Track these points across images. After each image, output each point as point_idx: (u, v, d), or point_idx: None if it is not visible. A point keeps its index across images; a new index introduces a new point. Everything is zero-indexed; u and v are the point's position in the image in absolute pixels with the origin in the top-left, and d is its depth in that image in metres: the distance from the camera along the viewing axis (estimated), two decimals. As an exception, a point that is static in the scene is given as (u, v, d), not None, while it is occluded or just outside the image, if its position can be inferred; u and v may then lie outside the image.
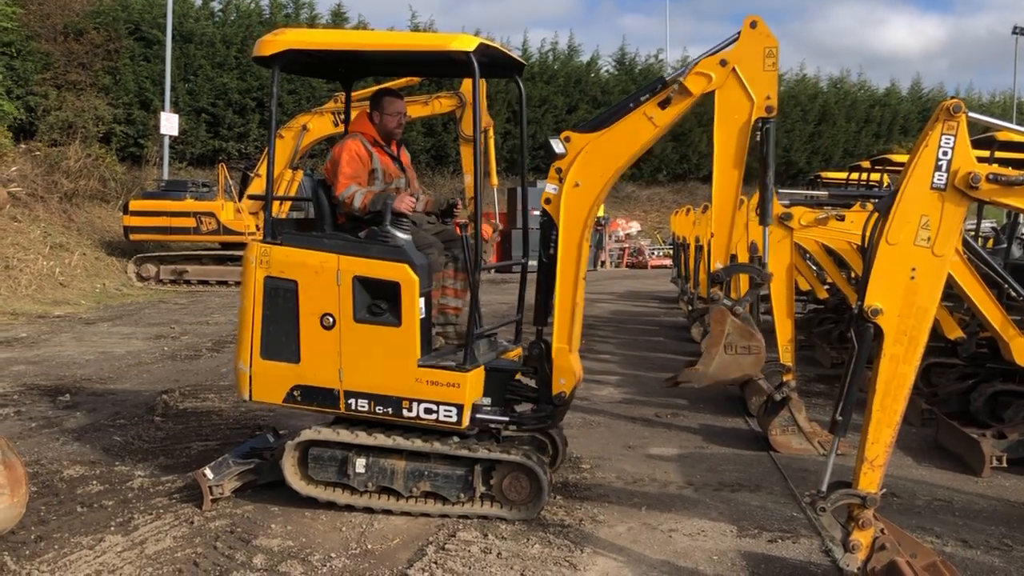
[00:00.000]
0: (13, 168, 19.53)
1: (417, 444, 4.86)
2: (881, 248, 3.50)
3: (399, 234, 5.05)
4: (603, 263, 28.51)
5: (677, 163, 36.09)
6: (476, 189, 5.24)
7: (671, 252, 21.61)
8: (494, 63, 5.44)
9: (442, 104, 15.54)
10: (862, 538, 3.59)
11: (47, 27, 25.23)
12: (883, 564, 3.56)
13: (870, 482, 3.58)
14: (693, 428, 7.23)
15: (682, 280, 14.95)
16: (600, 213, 28.73)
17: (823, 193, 8.57)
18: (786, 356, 6.49)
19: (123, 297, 17.02)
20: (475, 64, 4.85)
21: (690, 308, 13.01)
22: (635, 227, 32.10)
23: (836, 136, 37.73)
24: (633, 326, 14.16)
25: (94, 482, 5.44)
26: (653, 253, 30.09)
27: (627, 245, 30.52)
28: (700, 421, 7.46)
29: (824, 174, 18.27)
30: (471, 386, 4.81)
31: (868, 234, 3.62)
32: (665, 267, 26.69)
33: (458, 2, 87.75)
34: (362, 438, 4.87)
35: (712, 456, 6.36)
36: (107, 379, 8.76)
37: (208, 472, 5.03)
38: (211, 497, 4.98)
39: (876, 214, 3.58)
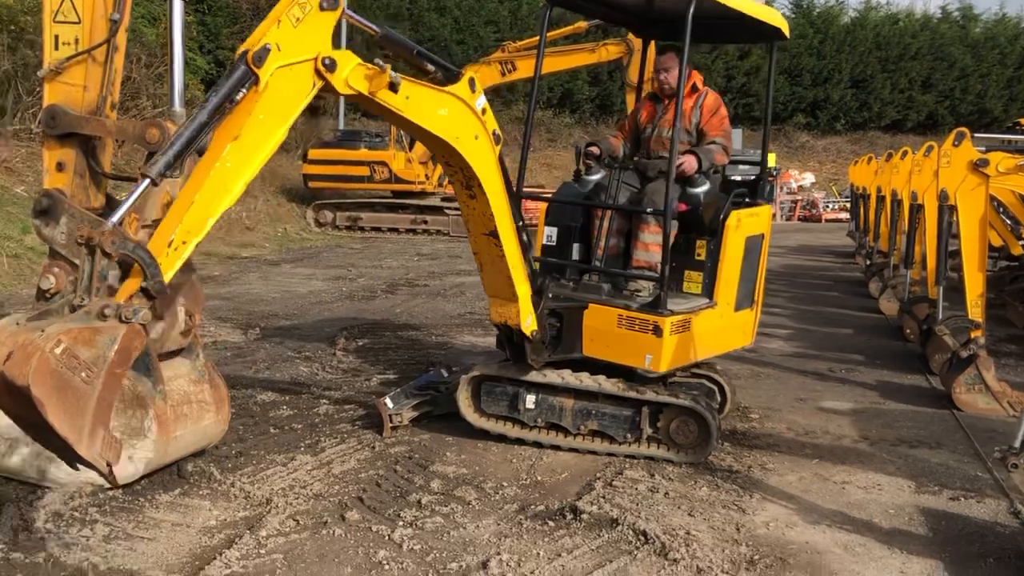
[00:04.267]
0: (205, 119, 20.82)
1: (585, 383, 4.94)
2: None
3: (584, 175, 5.61)
4: (773, 216, 27.57)
5: (856, 111, 34.19)
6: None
7: (848, 205, 20.59)
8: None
9: (609, 51, 15.29)
10: (1058, 498, 3.39)
11: (234, -19, 26.58)
12: (1081, 527, 3.35)
13: (1070, 440, 3.37)
14: (869, 384, 6.97)
15: (860, 233, 14.29)
16: (772, 163, 27.85)
17: (1021, 137, 7.92)
18: (975, 311, 6.13)
19: (303, 241, 17.98)
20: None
21: (868, 263, 12.45)
22: (808, 178, 30.78)
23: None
24: (805, 280, 13.68)
25: (284, 407, 5.85)
26: (828, 206, 28.79)
27: (800, 197, 29.34)
28: (876, 377, 7.18)
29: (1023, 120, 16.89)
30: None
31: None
32: (840, 221, 25.49)
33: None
34: (532, 375, 5.00)
35: (889, 412, 6.13)
36: (291, 315, 9.32)
37: (388, 401, 5.32)
38: (391, 425, 5.27)
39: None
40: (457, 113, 4.15)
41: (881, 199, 11.01)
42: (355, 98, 3.81)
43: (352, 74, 3.66)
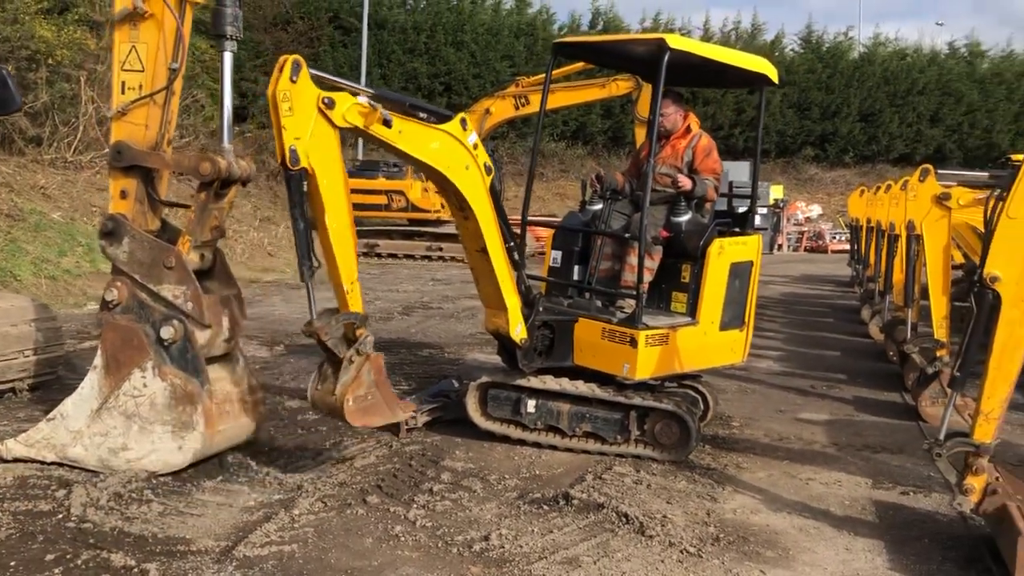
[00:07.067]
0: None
1: (580, 389, 5.55)
2: (1002, 222, 3.85)
3: (587, 205, 6.32)
4: (780, 246, 28.16)
5: (865, 144, 34.80)
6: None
7: (851, 236, 21.10)
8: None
9: (619, 87, 15.93)
10: (975, 483, 3.97)
11: (259, 18, 27.60)
12: (994, 507, 3.92)
13: (984, 433, 3.95)
14: (847, 399, 7.54)
15: (855, 263, 14.86)
16: (779, 195, 28.47)
17: (982, 174, 8.53)
18: (940, 332, 6.69)
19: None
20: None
21: (862, 290, 13.00)
22: (816, 210, 31.37)
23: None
24: (803, 307, 14.25)
25: (310, 412, 6.41)
26: (834, 237, 29.35)
27: (806, 229, 29.92)
28: (855, 393, 7.75)
29: (1016, 156, 17.42)
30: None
31: (989, 210, 3.97)
32: (845, 252, 25.99)
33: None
34: (533, 382, 5.62)
35: (861, 423, 6.70)
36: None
37: (404, 407, 5.93)
38: (406, 427, 5.87)
39: (998, 191, 3.91)
40: (447, 146, 4.92)
41: (871, 229, 11.60)
42: (353, 131, 4.61)
43: (348, 111, 4.46)
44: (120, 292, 4.98)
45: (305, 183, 4.40)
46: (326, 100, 4.36)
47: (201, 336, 4.96)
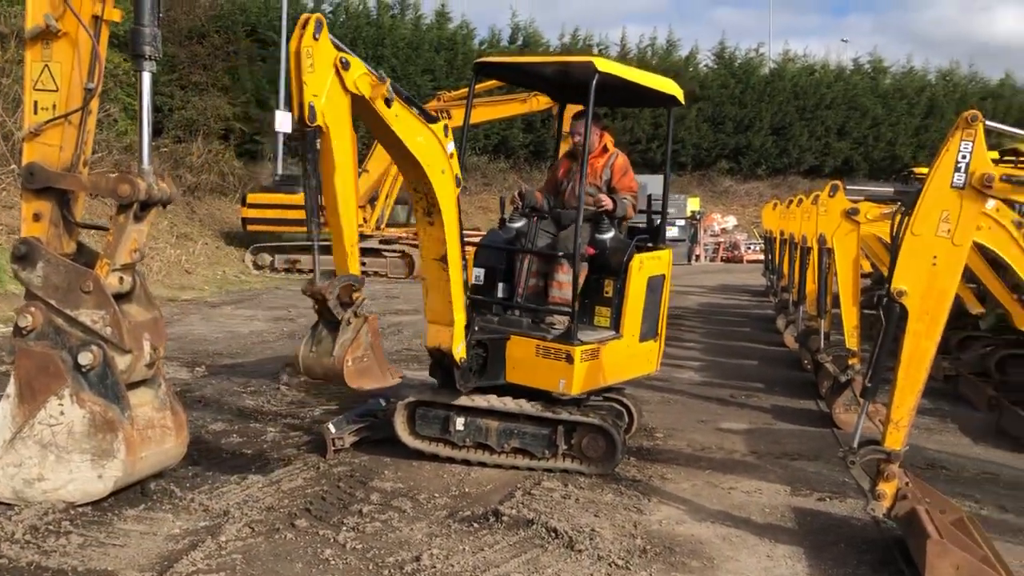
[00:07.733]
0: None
1: (509, 406, 5.60)
2: (907, 238, 4.06)
3: (508, 223, 6.33)
4: (697, 257, 28.80)
5: (777, 157, 35.87)
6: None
7: (765, 246, 21.74)
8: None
9: (539, 102, 16.11)
10: (887, 488, 4.16)
11: (173, 31, 26.94)
12: (905, 511, 4.11)
13: (895, 440, 4.14)
14: (765, 407, 7.77)
15: (769, 273, 15.32)
16: (695, 207, 29.13)
17: (887, 189, 8.93)
18: (851, 341, 6.97)
19: (242, 284, 18.33)
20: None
21: (776, 300, 13.41)
22: (731, 221, 32.19)
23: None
24: (720, 317, 14.60)
25: (234, 435, 6.36)
26: (749, 248, 30.16)
27: (722, 239, 30.67)
28: (773, 402, 8.00)
29: (918, 170, 18.20)
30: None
31: (895, 226, 4.17)
32: (760, 262, 26.75)
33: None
34: (461, 400, 5.65)
35: (779, 431, 6.92)
36: (235, 354, 9.79)
37: (331, 427, 5.90)
38: (333, 448, 5.83)
39: (903, 208, 4.12)
40: (431, 145, 5.09)
41: (784, 242, 11.98)
42: (357, 101, 4.72)
43: (360, 79, 4.64)
44: (34, 318, 4.83)
45: (319, 144, 4.55)
46: (343, 60, 4.53)
47: (121, 361, 4.85)
